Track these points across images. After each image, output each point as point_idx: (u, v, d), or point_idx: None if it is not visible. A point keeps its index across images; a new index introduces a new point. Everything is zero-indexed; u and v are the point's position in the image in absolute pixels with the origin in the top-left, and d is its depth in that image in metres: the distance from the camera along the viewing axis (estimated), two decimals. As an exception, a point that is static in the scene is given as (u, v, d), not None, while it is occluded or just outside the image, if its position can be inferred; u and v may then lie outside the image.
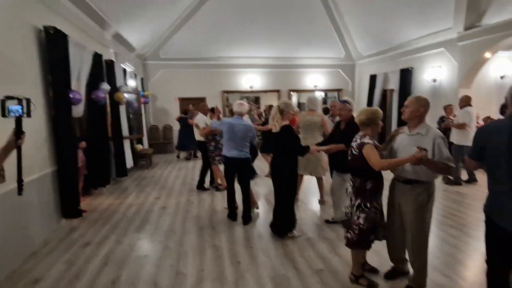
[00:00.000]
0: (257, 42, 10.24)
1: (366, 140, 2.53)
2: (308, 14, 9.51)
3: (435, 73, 7.89)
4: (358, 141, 2.59)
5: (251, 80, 11.07)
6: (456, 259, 3.14)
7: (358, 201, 2.60)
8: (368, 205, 2.57)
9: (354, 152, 2.62)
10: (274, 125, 3.58)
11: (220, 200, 5.19)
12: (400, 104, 9.07)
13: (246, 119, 4.86)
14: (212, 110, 5.77)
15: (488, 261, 2.02)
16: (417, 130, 2.48)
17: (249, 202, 4.26)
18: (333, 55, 11.11)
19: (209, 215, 4.56)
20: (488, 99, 7.52)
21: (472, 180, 5.93)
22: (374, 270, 2.89)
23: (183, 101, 10.49)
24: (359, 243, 2.62)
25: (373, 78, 10.27)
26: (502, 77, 7.57)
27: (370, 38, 9.80)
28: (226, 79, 10.95)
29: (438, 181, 5.90)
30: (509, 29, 6.02)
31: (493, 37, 6.35)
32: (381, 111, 2.66)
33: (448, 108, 6.31)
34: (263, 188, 5.84)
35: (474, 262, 3.13)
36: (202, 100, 9.75)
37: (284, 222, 3.71)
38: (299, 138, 3.68)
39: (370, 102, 10.37)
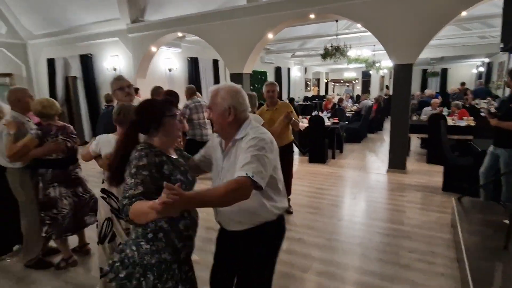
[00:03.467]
0: None
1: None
2: None
3: (114, 61, 7.97)
4: None
5: None
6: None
7: None
8: None
9: None
10: None
11: None
12: (87, 93, 8.53)
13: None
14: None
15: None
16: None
17: None
18: (-13, 27, 8.44)
19: None
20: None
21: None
22: None
23: None
24: None
25: (51, 63, 8.91)
26: (170, 70, 8.89)
27: (38, 15, 8.26)
28: None
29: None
30: (165, 28, 7.02)
31: (154, 33, 7.17)
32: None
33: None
34: None
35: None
36: None
37: None
38: None
39: (52, 90, 9.01)
